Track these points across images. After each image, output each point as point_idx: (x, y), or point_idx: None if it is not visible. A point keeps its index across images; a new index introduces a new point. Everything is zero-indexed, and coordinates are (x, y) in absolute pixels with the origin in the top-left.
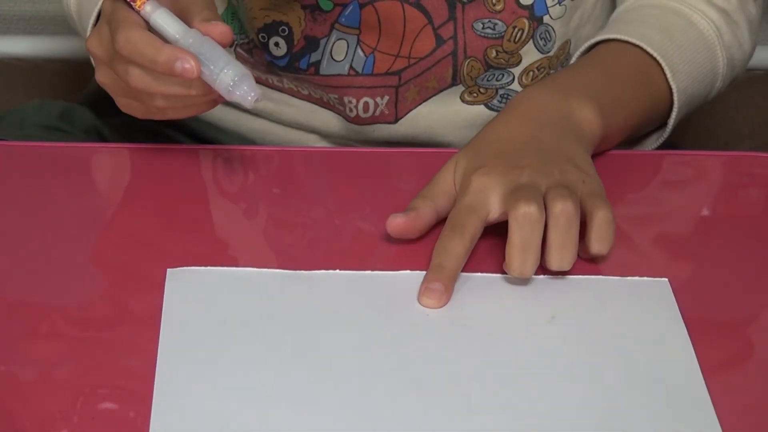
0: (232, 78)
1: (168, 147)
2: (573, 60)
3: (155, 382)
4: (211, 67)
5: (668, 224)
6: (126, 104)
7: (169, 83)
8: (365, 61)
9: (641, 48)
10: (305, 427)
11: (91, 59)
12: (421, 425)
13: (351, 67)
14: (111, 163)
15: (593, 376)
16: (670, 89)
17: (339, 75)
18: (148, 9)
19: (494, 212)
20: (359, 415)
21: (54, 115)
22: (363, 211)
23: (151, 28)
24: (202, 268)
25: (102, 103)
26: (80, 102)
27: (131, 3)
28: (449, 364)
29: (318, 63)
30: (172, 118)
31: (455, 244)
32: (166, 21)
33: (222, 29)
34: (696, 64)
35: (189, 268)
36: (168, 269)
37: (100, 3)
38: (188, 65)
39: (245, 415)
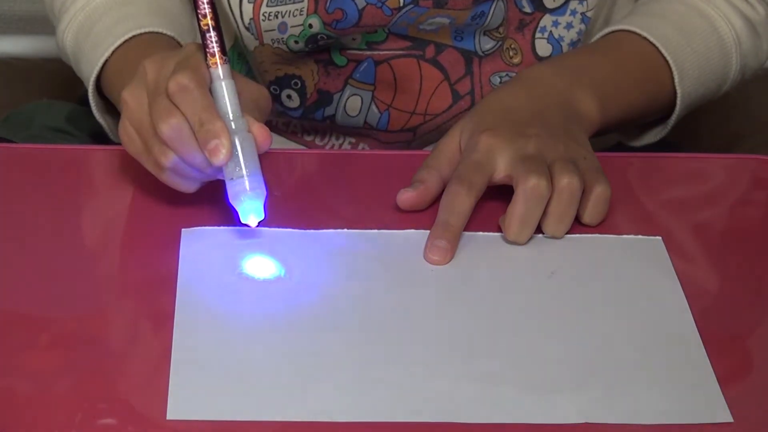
0: (247, 189)
1: None
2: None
3: (173, 337)
4: (237, 167)
5: (667, 227)
6: (129, 135)
7: (195, 149)
8: (380, 118)
9: (656, 46)
10: (316, 372)
11: (130, 88)
12: (425, 370)
13: (366, 121)
14: (115, 165)
15: (591, 325)
16: (676, 91)
17: (355, 127)
18: (220, 72)
19: (499, 173)
20: (367, 362)
21: (61, 116)
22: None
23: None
24: (216, 227)
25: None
26: (77, 101)
27: (207, 55)
28: (453, 314)
29: (333, 116)
30: (161, 179)
31: (462, 201)
32: (230, 94)
33: (263, 137)
34: (707, 70)
35: (203, 228)
36: (183, 229)
37: (143, 29)
38: (222, 152)
39: (261, 366)
